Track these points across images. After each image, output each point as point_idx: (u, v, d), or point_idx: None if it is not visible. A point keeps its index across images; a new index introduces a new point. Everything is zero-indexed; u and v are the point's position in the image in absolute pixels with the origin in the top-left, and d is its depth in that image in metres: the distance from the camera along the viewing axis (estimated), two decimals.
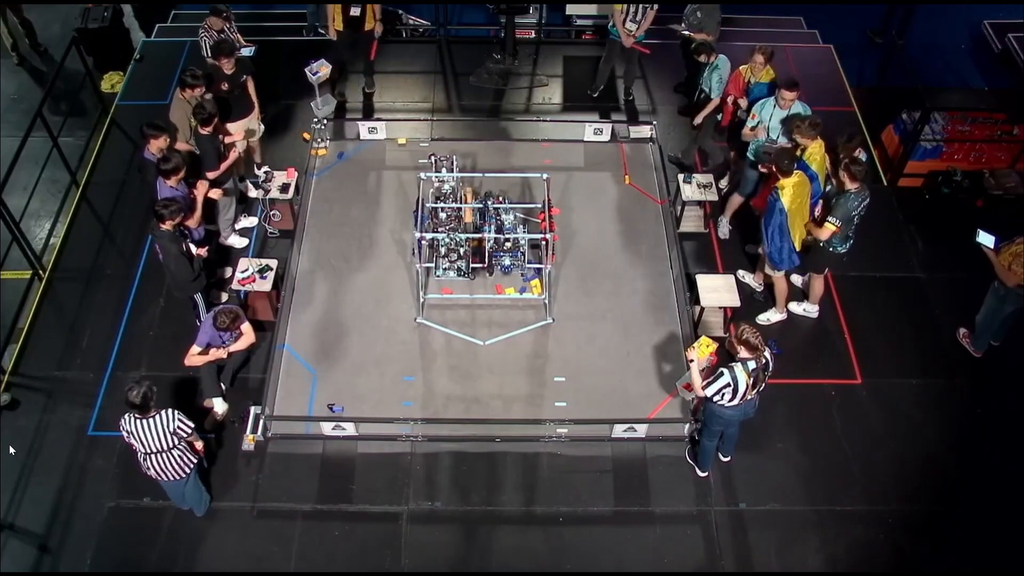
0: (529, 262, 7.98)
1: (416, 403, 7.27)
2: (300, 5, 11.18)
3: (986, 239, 7.14)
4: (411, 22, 11.33)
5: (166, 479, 6.10)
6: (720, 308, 7.80)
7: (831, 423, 7.33)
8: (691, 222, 8.73)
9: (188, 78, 7.65)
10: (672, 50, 10.28)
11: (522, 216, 8.08)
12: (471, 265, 7.88)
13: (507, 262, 7.88)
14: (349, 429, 7.04)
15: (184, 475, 6.11)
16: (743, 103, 8.23)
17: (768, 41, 8.81)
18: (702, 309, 7.76)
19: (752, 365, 5.99)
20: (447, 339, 7.73)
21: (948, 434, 7.30)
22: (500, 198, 8.17)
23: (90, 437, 7.09)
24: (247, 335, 6.95)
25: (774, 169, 7.01)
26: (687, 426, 7.10)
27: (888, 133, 9.83)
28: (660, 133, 9.37)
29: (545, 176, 8.17)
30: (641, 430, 7.06)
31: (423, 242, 7.68)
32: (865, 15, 11.90)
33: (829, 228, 7.09)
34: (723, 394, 6.07)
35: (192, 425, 6.01)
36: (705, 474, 6.94)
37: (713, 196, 8.43)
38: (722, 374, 6.01)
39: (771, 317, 7.95)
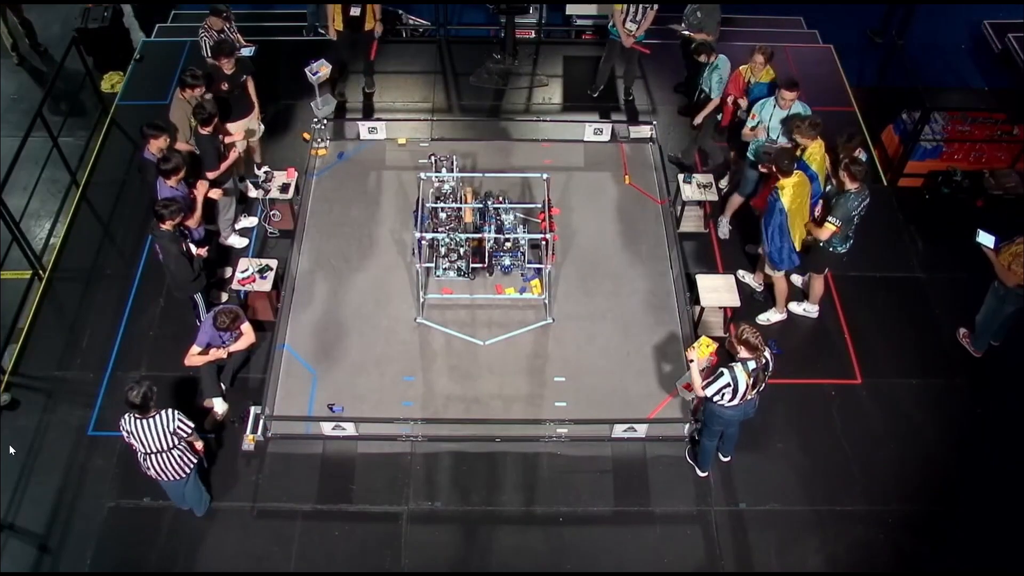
0: (529, 262, 7.98)
1: (416, 403, 7.27)
2: (300, 5, 11.18)
3: (986, 239, 7.14)
4: (411, 22, 11.33)
5: (166, 479, 6.10)
6: (720, 308, 7.80)
7: (831, 423, 7.33)
8: (691, 222, 8.73)
9: (188, 78, 7.65)
10: (672, 50, 10.28)
11: (522, 216, 8.08)
12: (471, 265, 7.88)
13: (507, 262, 7.88)
14: (349, 429, 7.04)
15: (184, 475, 6.11)
16: (743, 103, 8.23)
17: (768, 41, 8.81)
18: (702, 309, 7.76)
19: (752, 365, 5.99)
20: (447, 339, 7.73)
21: (948, 434, 7.30)
22: (500, 198, 8.17)
23: (90, 437, 7.09)
24: (247, 335, 6.95)
25: (774, 169, 7.01)
26: (687, 426, 7.10)
27: (888, 133, 9.83)
28: (660, 133, 9.37)
29: (545, 176, 8.17)
30: (641, 430, 7.06)
31: (423, 242, 7.68)
32: (865, 15, 11.89)
33: (829, 228, 7.09)
34: (723, 394, 6.07)
35: (192, 425, 6.01)
36: (705, 474, 6.94)
37: (713, 196, 8.43)
38: (722, 374, 6.01)
39: (771, 317, 7.95)
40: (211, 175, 7.58)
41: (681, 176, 8.57)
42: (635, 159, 9.36)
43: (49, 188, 9.24)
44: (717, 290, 7.65)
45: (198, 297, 7.35)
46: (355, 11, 9.23)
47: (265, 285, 7.63)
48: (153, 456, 5.92)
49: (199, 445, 6.26)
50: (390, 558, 6.50)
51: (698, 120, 8.79)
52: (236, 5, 9.98)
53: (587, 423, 7.07)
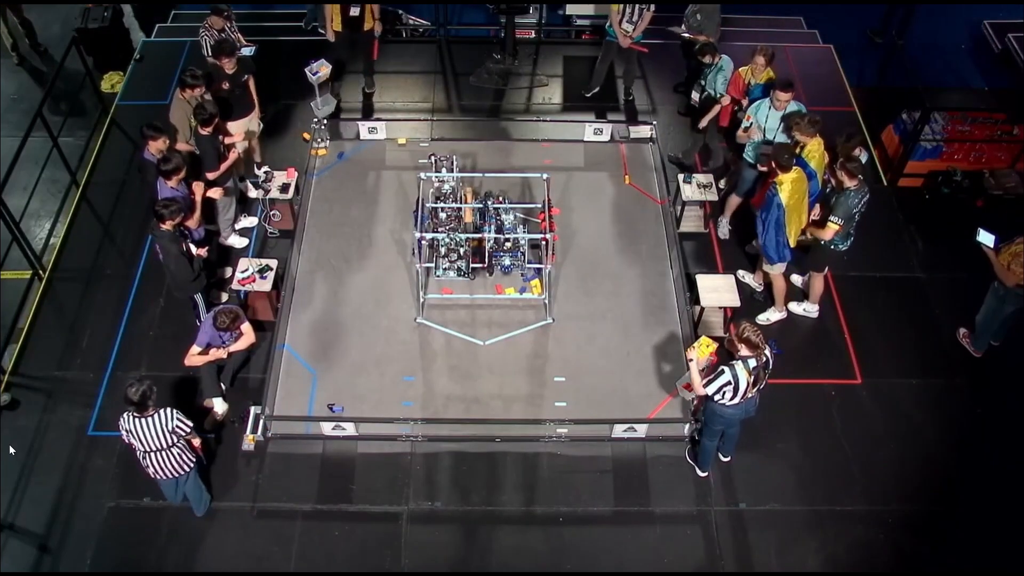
0: (529, 262, 7.98)
1: (416, 403, 7.27)
2: (300, 5, 11.18)
3: (986, 238, 7.14)
4: (411, 22, 11.33)
5: (164, 477, 6.10)
6: (720, 308, 7.80)
7: (831, 423, 7.33)
8: (691, 222, 8.73)
9: (188, 78, 7.65)
10: (672, 50, 10.29)
11: (522, 216, 8.08)
12: (471, 265, 7.88)
13: (507, 262, 7.88)
14: (349, 429, 7.04)
15: (184, 472, 6.13)
16: (743, 103, 8.22)
17: (768, 41, 8.82)
18: (702, 309, 7.76)
19: (753, 363, 5.99)
20: (447, 339, 7.72)
21: (948, 434, 7.30)
22: (500, 198, 8.17)
23: (90, 437, 7.09)
24: (247, 335, 6.95)
25: (773, 165, 7.02)
26: (687, 426, 7.10)
27: (888, 133, 9.83)
28: (660, 133, 9.36)
29: (545, 176, 8.17)
30: (641, 430, 7.06)
31: (423, 242, 7.68)
32: (865, 15, 11.89)
33: (832, 227, 7.10)
34: (724, 392, 6.07)
35: (191, 424, 6.01)
36: (705, 474, 6.94)
37: (713, 196, 8.43)
38: (723, 372, 6.01)
39: (771, 316, 7.95)
40: (211, 175, 7.58)
41: (681, 176, 8.57)
42: (635, 159, 9.36)
43: (49, 188, 9.24)
44: (717, 290, 7.65)
45: (198, 297, 7.35)
46: (354, 11, 9.23)
47: (265, 285, 7.63)
48: (152, 454, 5.93)
49: (196, 443, 6.26)
50: (390, 558, 6.50)
51: (703, 124, 8.75)
52: (236, 5, 9.98)
53: (587, 423, 7.07)
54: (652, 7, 9.17)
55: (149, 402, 5.75)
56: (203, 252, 7.23)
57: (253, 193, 8.75)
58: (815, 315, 8.00)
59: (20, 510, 6.69)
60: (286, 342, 7.65)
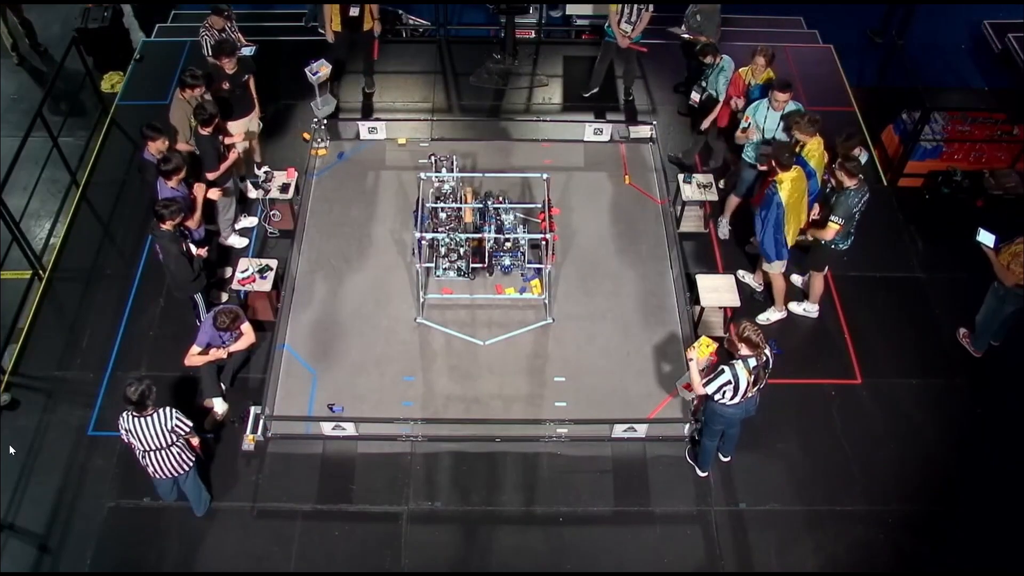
0: (529, 262, 7.98)
1: (416, 403, 7.27)
2: (300, 5, 11.18)
3: (986, 238, 7.15)
4: (411, 22, 11.33)
5: (163, 476, 6.11)
6: (720, 308, 7.80)
7: (831, 423, 7.33)
8: (691, 222, 8.73)
9: (188, 78, 7.64)
10: (672, 50, 10.29)
11: (522, 216, 8.08)
12: (471, 265, 7.88)
13: (507, 262, 7.88)
14: (349, 429, 7.04)
15: (183, 472, 6.13)
16: (741, 103, 8.22)
17: (768, 41, 8.82)
18: (702, 309, 7.76)
19: (753, 363, 5.99)
20: (447, 339, 7.72)
21: (948, 434, 7.30)
22: (500, 198, 8.17)
23: (90, 437, 7.09)
24: (247, 335, 6.95)
25: (773, 163, 7.02)
26: (687, 426, 7.10)
27: (888, 133, 9.83)
28: (660, 133, 9.36)
29: (545, 176, 8.17)
30: (641, 430, 7.06)
31: (423, 242, 7.68)
32: (865, 15, 11.89)
33: (833, 227, 7.10)
34: (724, 391, 6.07)
35: (190, 423, 6.01)
36: (705, 474, 6.94)
37: (713, 196, 8.43)
38: (723, 371, 6.01)
39: (771, 316, 7.95)
40: (210, 176, 7.58)
41: (681, 176, 8.57)
42: (635, 159, 9.36)
43: (49, 188, 9.24)
44: (717, 290, 7.65)
45: (198, 297, 7.35)
46: (354, 11, 9.23)
47: (265, 285, 7.63)
48: (152, 453, 5.93)
49: (195, 441, 6.27)
50: (390, 558, 6.50)
51: (705, 125, 8.75)
52: (236, 5, 9.98)
53: (587, 423, 7.07)
54: (651, 7, 9.16)
55: (148, 401, 5.75)
56: (203, 252, 7.23)
57: (253, 193, 8.75)
58: (815, 315, 8.00)
59: (20, 510, 6.69)
60: (286, 342, 7.65)
